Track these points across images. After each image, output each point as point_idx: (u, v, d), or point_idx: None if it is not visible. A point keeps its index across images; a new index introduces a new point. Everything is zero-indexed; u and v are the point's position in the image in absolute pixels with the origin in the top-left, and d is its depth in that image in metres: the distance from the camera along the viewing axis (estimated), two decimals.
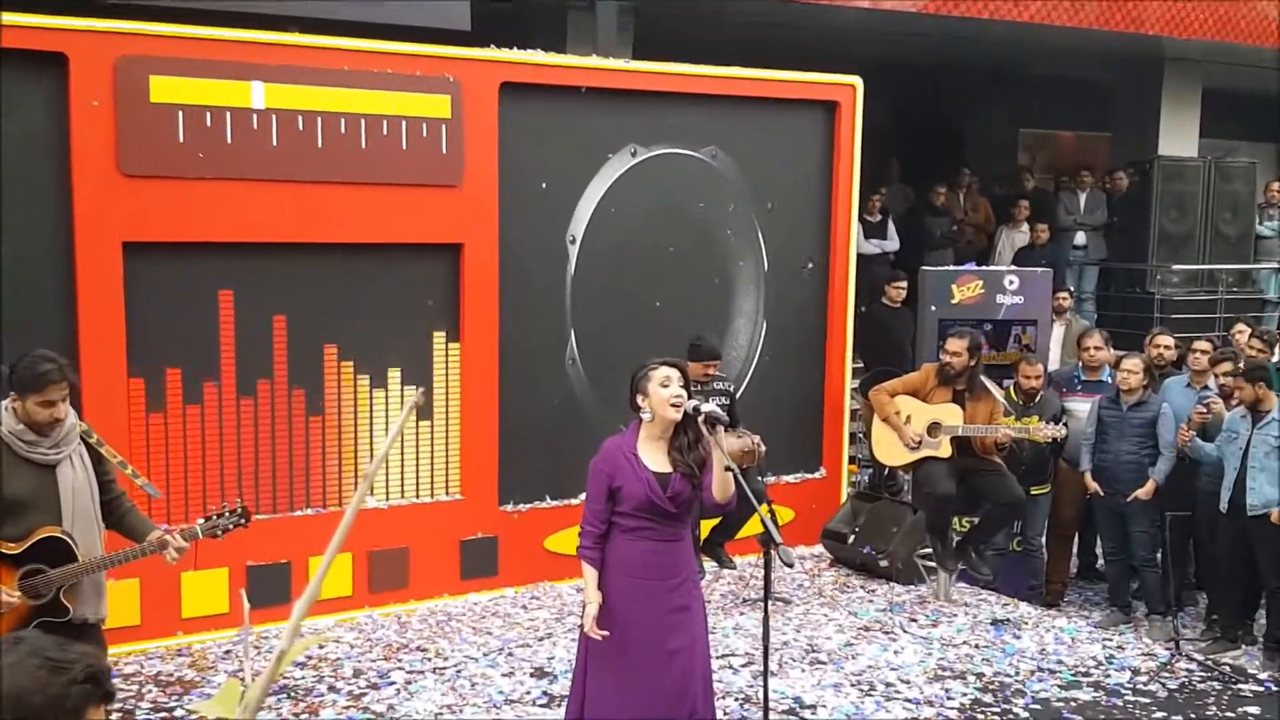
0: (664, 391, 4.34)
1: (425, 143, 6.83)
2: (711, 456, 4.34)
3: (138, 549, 4.31)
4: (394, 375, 6.93)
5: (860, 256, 9.55)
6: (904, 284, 10.23)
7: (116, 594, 5.96)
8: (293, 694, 5.78)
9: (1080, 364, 8.35)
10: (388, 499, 6.98)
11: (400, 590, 6.95)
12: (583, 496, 7.32)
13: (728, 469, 4.33)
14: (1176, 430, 7.36)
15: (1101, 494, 7.63)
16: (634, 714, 4.37)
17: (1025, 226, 12.21)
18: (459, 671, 6.10)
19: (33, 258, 5.95)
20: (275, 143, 6.44)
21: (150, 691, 5.80)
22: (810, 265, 8.28)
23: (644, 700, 4.37)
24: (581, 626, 4.48)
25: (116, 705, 5.55)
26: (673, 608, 4.39)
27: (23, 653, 1.93)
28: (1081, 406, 7.97)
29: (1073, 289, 11.30)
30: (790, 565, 4.22)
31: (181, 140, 6.20)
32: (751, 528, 6.93)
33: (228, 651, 6.33)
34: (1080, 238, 12.50)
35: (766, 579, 4.39)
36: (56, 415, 4.15)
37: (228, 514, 4.48)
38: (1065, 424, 7.57)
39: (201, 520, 4.53)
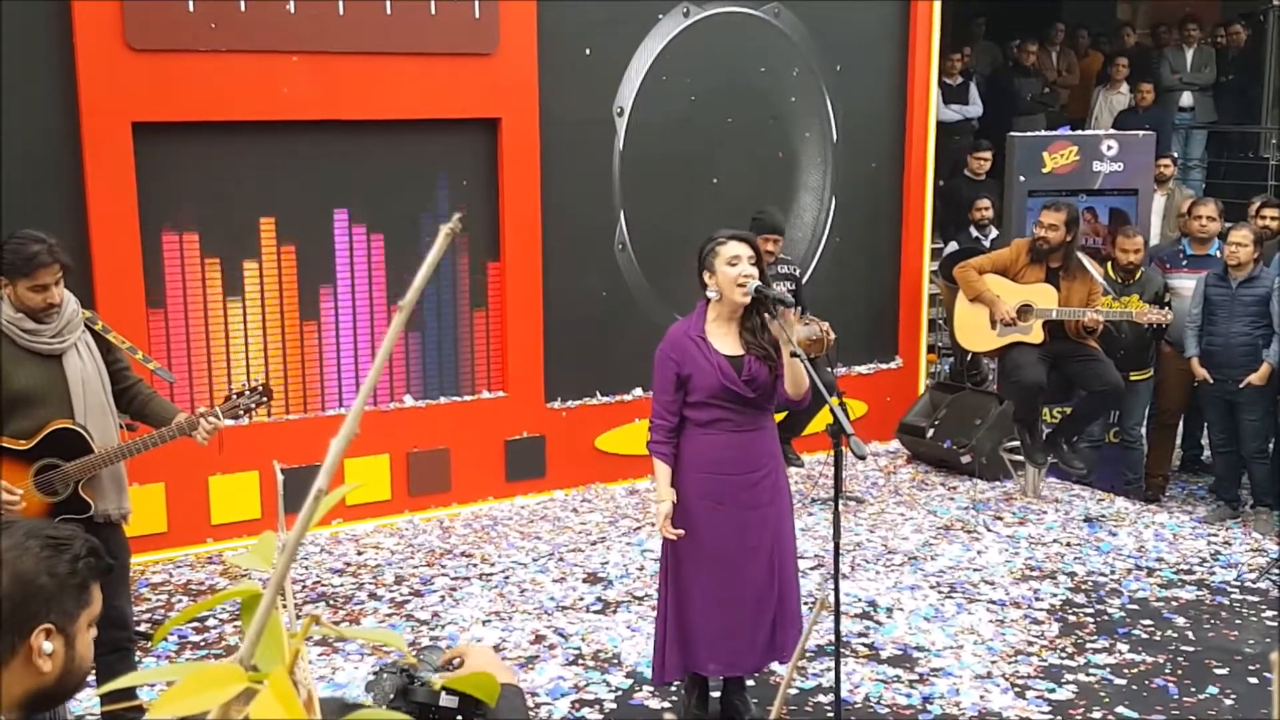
0: (731, 270, 4.25)
1: (456, 7, 6.70)
2: (784, 337, 4.28)
3: (157, 434, 4.29)
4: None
5: (939, 124, 9.31)
6: (987, 154, 9.98)
7: (142, 499, 6.10)
8: (331, 601, 5.88)
9: (1187, 237, 8.12)
10: (425, 397, 7.00)
11: (442, 494, 7.01)
12: (636, 392, 7.43)
13: (794, 355, 4.26)
14: None
15: (1210, 381, 7.45)
16: (721, 617, 4.40)
17: (1125, 87, 11.83)
18: (507, 577, 6.17)
19: (36, 141, 5.93)
20: (293, 10, 6.34)
21: (180, 601, 5.92)
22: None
23: (730, 602, 4.40)
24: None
25: (145, 615, 5.69)
26: (756, 503, 4.38)
27: (20, 536, 1.97)
28: (1186, 284, 7.76)
29: (1177, 155, 10.97)
30: (863, 458, 4.17)
31: (191, 10, 6.13)
32: (819, 423, 6.88)
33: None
34: (1186, 99, 12.11)
35: (837, 474, 4.36)
36: (50, 300, 4.13)
37: (248, 393, 4.45)
38: (1169, 304, 7.39)
39: (218, 407, 4.47)
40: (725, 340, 4.33)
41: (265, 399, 4.49)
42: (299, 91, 6.40)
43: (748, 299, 4.27)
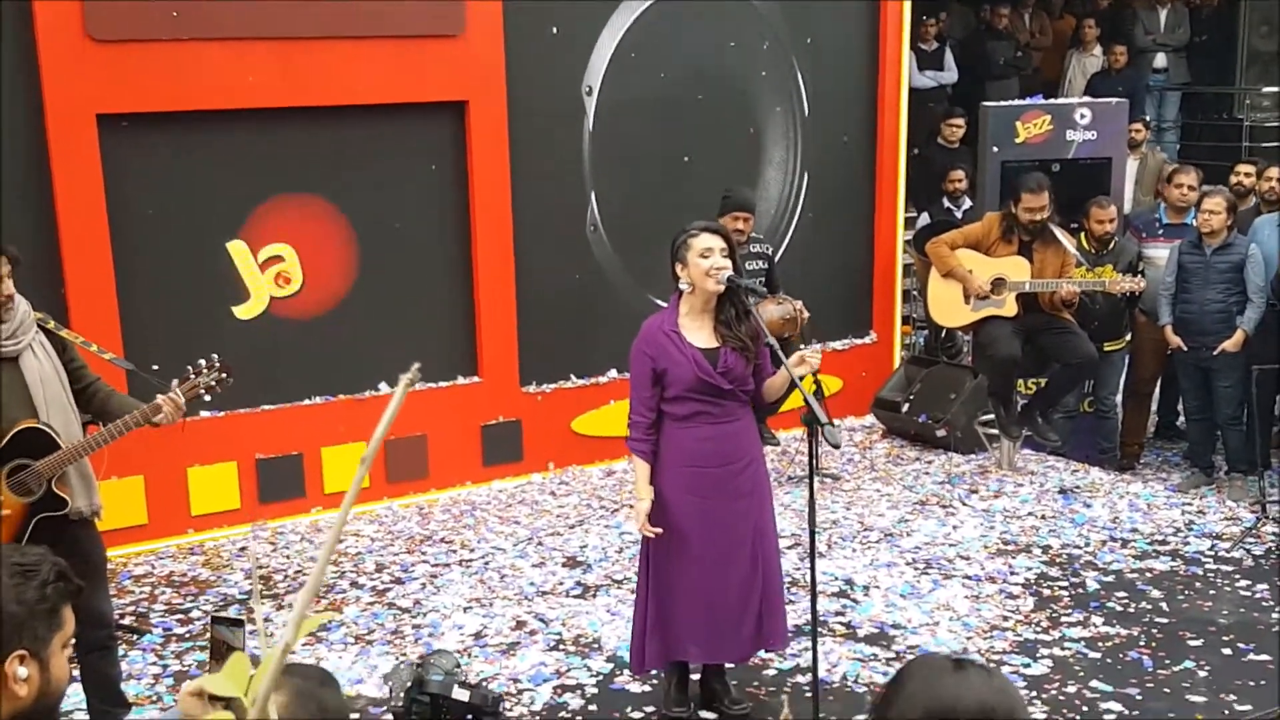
0: (703, 263, 4.32)
1: None
2: (762, 330, 4.37)
3: (120, 423, 4.32)
4: (400, 251, 6.95)
5: (913, 91, 9.35)
6: (960, 121, 10.04)
7: (121, 492, 6.18)
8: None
9: (1163, 204, 8.21)
10: (394, 384, 7.03)
11: (420, 480, 7.09)
12: (610, 374, 7.51)
13: (766, 344, 4.37)
14: (1266, 273, 7.26)
15: (1184, 349, 7.56)
16: (707, 611, 4.50)
17: (1098, 49, 11.89)
18: (487, 563, 6.26)
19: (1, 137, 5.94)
20: None
21: (164, 593, 5.99)
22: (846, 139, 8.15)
23: (716, 596, 4.48)
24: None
25: (128, 608, 5.76)
26: (737, 494, 4.47)
27: None
28: (1162, 253, 7.82)
29: (1150, 117, 11.05)
30: (837, 446, 4.26)
31: None
32: (795, 400, 6.96)
33: (242, 548, 6.52)
34: (1160, 60, 12.19)
35: (811, 463, 4.42)
36: (7, 292, 4.19)
37: (204, 371, 4.48)
38: (1143, 273, 7.48)
39: (178, 388, 4.45)
40: (700, 333, 4.40)
41: (224, 375, 4.52)
42: (264, 79, 6.42)
43: (720, 287, 4.35)
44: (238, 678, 0.98)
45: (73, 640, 2.18)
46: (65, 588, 2.09)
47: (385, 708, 3.01)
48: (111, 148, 6.16)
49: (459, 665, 2.99)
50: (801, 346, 7.00)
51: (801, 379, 4.27)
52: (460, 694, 2.96)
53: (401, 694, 2.91)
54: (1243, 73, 11.88)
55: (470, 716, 2.93)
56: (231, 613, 5.76)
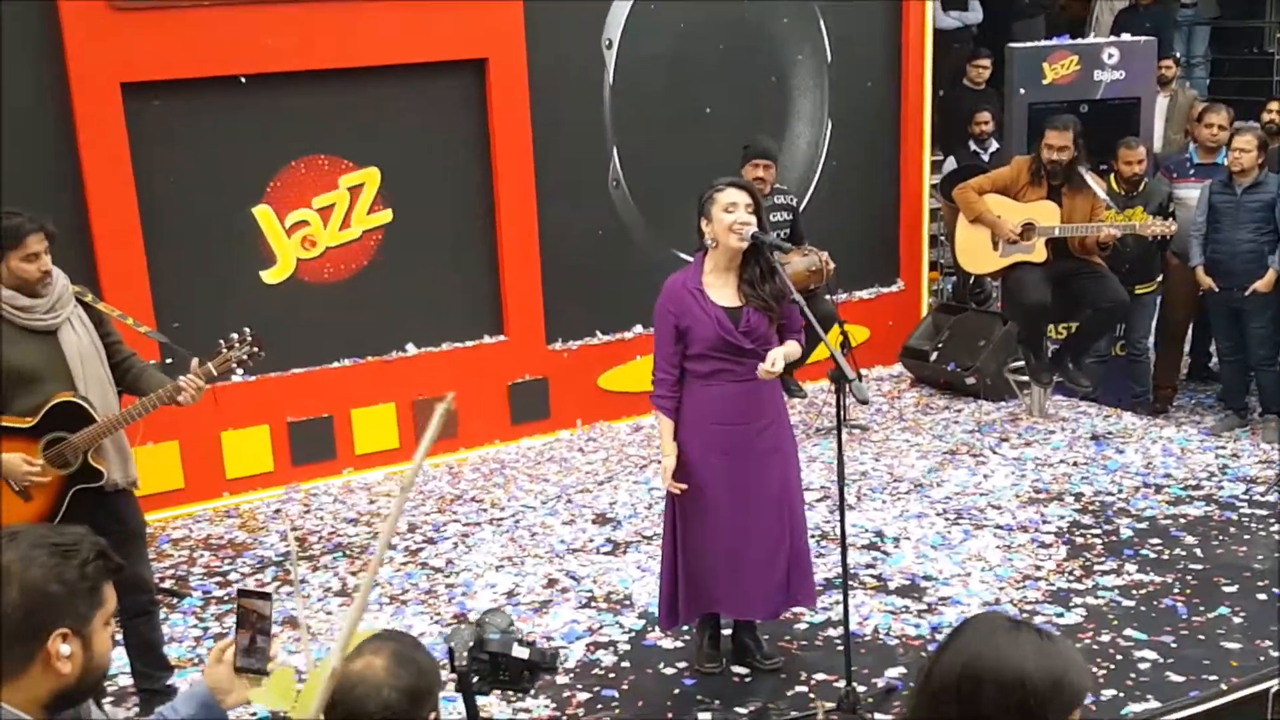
0: (727, 217, 4.31)
1: None
2: (789, 288, 4.36)
3: (155, 396, 4.38)
4: (425, 211, 6.94)
5: (938, 33, 9.23)
6: (986, 62, 9.90)
7: (157, 457, 6.26)
8: (348, 552, 6.03)
9: (1194, 144, 8.10)
10: (426, 344, 7.06)
11: (449, 439, 7.12)
12: (636, 329, 7.50)
13: (792, 301, 4.35)
14: None
15: (1216, 289, 7.49)
16: (732, 567, 4.52)
17: None
18: (517, 522, 6.30)
19: (25, 108, 5.94)
20: None
21: (202, 556, 6.07)
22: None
23: (741, 552, 4.50)
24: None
25: (168, 571, 5.85)
26: (760, 450, 4.47)
27: (25, 546, 2.03)
28: (1193, 193, 7.75)
29: (1179, 54, 10.87)
30: (865, 402, 4.25)
31: None
32: (821, 351, 6.94)
33: (277, 511, 6.59)
34: None
35: (839, 415, 4.42)
36: (45, 268, 4.23)
37: (236, 345, 4.49)
38: (1173, 214, 7.40)
39: (210, 363, 4.45)
40: (723, 291, 4.39)
41: (256, 349, 4.53)
42: (284, 42, 6.39)
43: (744, 244, 4.32)
44: (284, 692, 0.99)
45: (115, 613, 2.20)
46: (105, 566, 2.10)
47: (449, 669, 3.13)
48: (137, 116, 6.16)
49: (513, 623, 3.05)
50: (827, 297, 7.02)
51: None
52: (520, 651, 3.02)
53: (465, 653, 2.98)
54: (1273, 5, 11.66)
55: (528, 673, 3.01)
56: (268, 575, 5.85)
